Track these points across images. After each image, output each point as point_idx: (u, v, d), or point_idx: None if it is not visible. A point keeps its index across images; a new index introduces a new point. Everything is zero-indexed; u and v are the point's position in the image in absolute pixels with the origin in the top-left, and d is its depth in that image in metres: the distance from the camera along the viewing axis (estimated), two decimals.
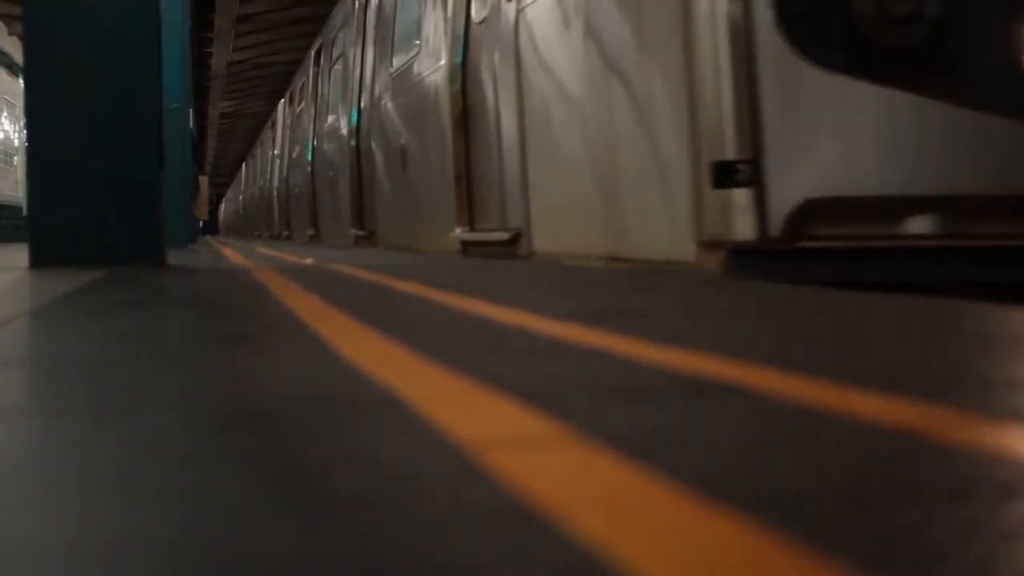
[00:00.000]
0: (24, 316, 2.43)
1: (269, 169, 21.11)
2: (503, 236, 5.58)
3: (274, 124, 21.19)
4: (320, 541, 0.65)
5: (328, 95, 12.87)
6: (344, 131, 11.05)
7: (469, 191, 6.50)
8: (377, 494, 0.76)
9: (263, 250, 9.00)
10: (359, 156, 10.18)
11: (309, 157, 14.04)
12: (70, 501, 0.77)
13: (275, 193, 19.39)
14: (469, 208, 6.50)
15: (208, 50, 19.67)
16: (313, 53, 14.49)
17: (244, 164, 32.49)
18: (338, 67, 12.06)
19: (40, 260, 4.86)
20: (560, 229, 4.85)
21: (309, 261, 5.56)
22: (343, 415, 1.09)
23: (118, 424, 1.07)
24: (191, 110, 14.23)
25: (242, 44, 19.47)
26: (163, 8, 5.39)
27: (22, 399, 1.31)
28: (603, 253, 4.22)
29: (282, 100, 19.76)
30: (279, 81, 22.12)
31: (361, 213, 10.16)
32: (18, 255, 6.15)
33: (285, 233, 17.31)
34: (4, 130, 18.48)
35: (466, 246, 6.44)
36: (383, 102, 9.01)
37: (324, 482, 0.81)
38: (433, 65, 7.08)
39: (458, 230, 6.54)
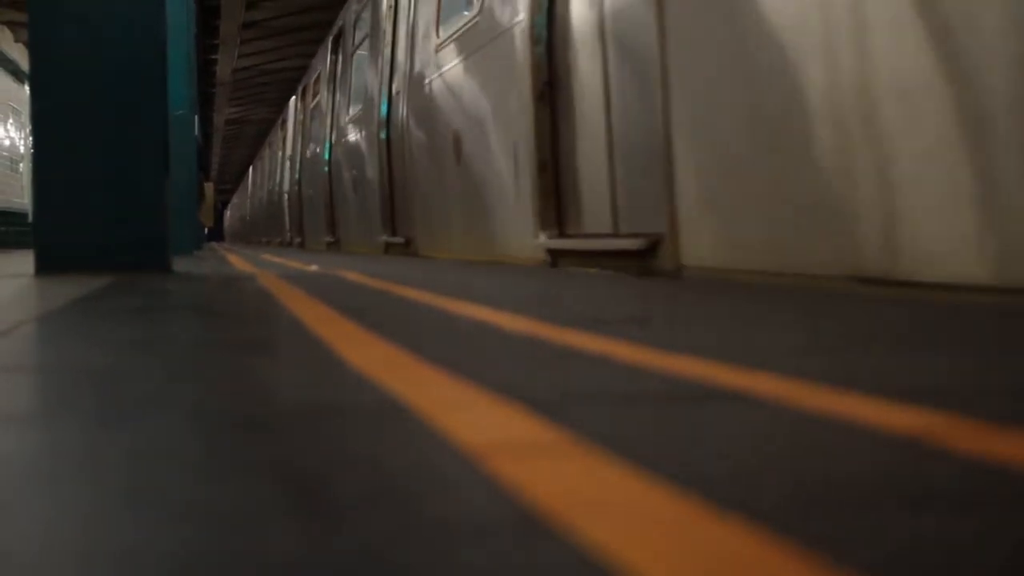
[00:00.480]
0: (31, 322, 2.43)
1: (279, 171, 20.12)
2: (633, 244, 3.98)
3: (284, 123, 20.17)
4: (325, 543, 0.66)
5: (350, 84, 11.57)
6: (371, 123, 9.64)
7: (557, 183, 5.06)
8: (381, 498, 0.77)
9: (268, 257, 9.00)
10: (390, 150, 8.82)
11: (326, 156, 12.73)
12: (79, 498, 0.78)
13: (286, 197, 18.31)
14: (558, 206, 5.05)
15: (213, 56, 19.69)
16: (331, 40, 13.29)
17: (251, 168, 32.30)
18: (362, 51, 10.77)
19: (45, 266, 4.87)
20: (739, 231, 3.32)
21: (314, 268, 5.53)
22: (347, 421, 1.09)
23: (124, 427, 1.08)
24: (196, 116, 14.23)
25: (248, 51, 19.47)
26: (169, 14, 5.40)
27: (31, 403, 1.32)
28: (843, 270, 2.80)
29: (293, 97, 18.93)
30: (285, 87, 22.12)
31: (393, 216, 8.84)
32: (23, 262, 6.16)
33: (297, 240, 16.21)
34: (10, 137, 18.53)
35: (556, 256, 4.98)
36: (425, 82, 7.50)
37: (327, 485, 0.81)
38: (501, 27, 5.62)
39: (542, 236, 5.06)
